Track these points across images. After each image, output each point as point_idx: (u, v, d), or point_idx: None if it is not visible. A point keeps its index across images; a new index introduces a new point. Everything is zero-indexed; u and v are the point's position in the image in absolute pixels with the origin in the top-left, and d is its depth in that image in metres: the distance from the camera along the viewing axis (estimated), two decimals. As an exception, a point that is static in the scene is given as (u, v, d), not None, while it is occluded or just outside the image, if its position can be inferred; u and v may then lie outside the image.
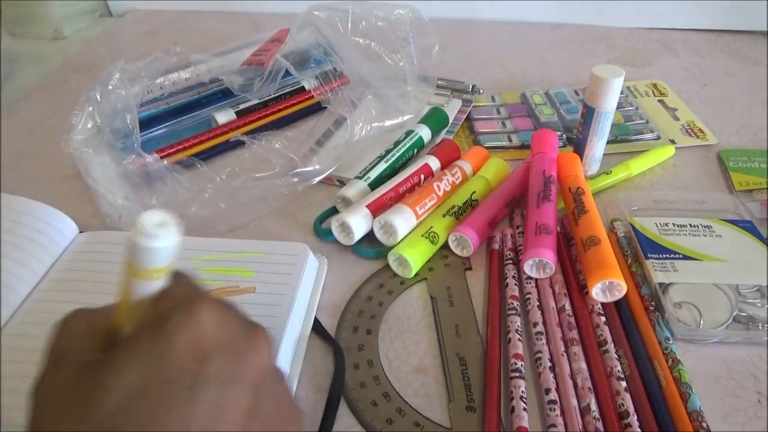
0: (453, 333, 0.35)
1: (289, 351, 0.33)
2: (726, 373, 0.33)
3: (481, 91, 0.58)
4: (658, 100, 0.58)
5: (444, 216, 0.41)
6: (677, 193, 0.46)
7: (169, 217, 0.20)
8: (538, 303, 0.36)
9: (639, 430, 0.29)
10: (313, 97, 0.53)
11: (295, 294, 0.36)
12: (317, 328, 0.36)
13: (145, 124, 0.52)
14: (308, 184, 0.45)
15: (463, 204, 0.42)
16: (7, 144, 0.54)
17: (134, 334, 0.20)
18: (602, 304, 0.36)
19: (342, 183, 0.47)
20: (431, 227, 0.40)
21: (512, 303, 0.36)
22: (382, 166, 0.46)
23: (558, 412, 0.30)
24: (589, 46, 0.70)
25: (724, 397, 0.32)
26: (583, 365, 0.32)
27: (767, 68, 0.64)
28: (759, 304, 0.36)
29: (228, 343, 0.21)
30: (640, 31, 0.73)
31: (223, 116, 0.54)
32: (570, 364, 0.32)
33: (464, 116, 0.55)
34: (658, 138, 0.53)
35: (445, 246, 0.41)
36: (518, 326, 0.34)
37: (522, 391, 0.31)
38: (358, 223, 0.40)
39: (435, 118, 0.51)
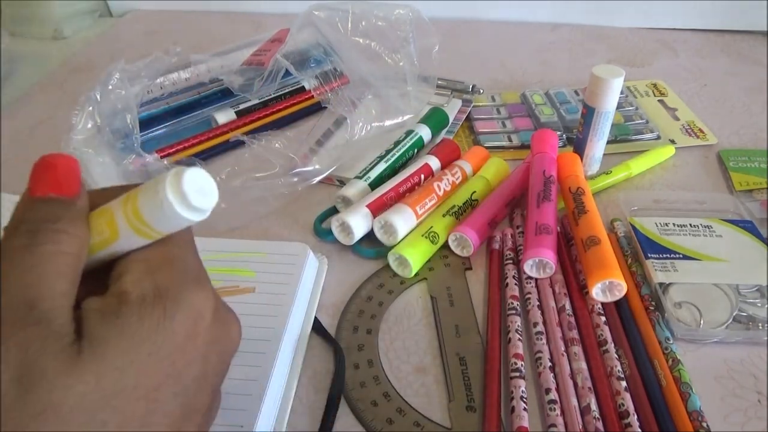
0: (453, 333, 0.35)
1: (289, 351, 0.33)
2: (726, 373, 0.33)
3: (481, 91, 0.58)
4: (658, 100, 0.58)
5: (444, 216, 0.41)
6: (677, 193, 0.46)
7: (212, 185, 0.17)
8: (538, 303, 0.36)
9: (639, 430, 0.29)
10: (313, 97, 0.53)
11: (295, 294, 0.36)
12: (317, 327, 0.36)
13: (145, 124, 0.52)
14: (308, 184, 0.45)
15: (463, 204, 0.42)
16: (7, 144, 0.54)
17: (134, 310, 0.19)
18: (602, 304, 0.36)
19: (342, 183, 0.47)
20: (431, 227, 0.40)
21: (512, 303, 0.36)
22: (382, 166, 0.46)
23: (558, 411, 0.30)
24: (589, 46, 0.70)
25: (724, 397, 0.32)
26: (583, 365, 0.32)
27: (767, 68, 0.64)
28: (759, 304, 0.36)
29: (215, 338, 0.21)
30: (640, 31, 0.73)
31: (223, 116, 0.54)
32: (570, 364, 0.32)
33: (464, 116, 0.55)
34: (658, 138, 0.53)
35: (445, 246, 0.41)
36: (518, 326, 0.34)
37: (522, 391, 0.31)
38: (358, 222, 0.40)
39: (435, 118, 0.51)
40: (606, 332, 0.34)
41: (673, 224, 0.41)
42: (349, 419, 0.31)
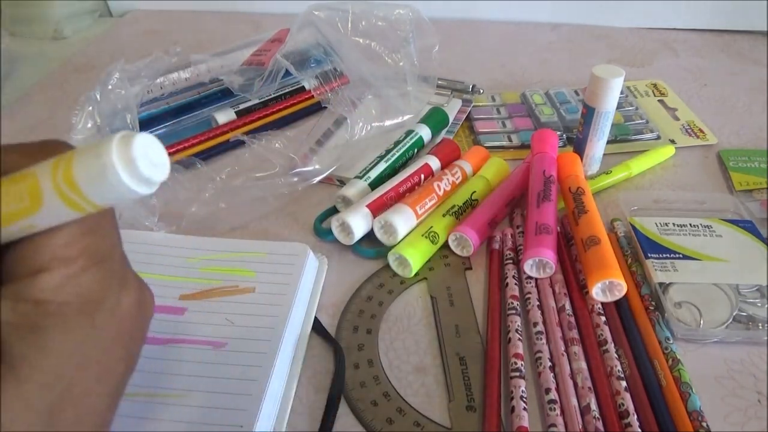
0: (453, 333, 0.35)
1: (289, 351, 0.33)
2: (726, 373, 0.33)
3: (481, 91, 0.58)
4: (658, 100, 0.58)
5: (444, 216, 0.41)
6: (677, 193, 0.46)
7: (164, 156, 0.15)
8: (538, 303, 0.36)
9: (639, 429, 0.29)
10: (313, 97, 0.53)
11: (295, 294, 0.36)
12: (317, 327, 0.36)
13: (145, 124, 0.52)
14: (308, 184, 0.45)
15: (463, 204, 0.42)
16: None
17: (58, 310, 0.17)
18: (602, 303, 0.36)
19: (342, 183, 0.47)
20: (431, 227, 0.40)
21: (512, 303, 0.36)
22: (382, 166, 0.46)
23: (558, 411, 0.30)
24: (589, 46, 0.70)
25: (724, 397, 0.32)
26: (583, 365, 0.32)
27: (767, 68, 0.64)
28: (759, 304, 0.36)
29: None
30: (640, 31, 0.73)
31: (223, 116, 0.54)
32: (570, 364, 0.32)
33: (464, 116, 0.55)
34: (658, 138, 0.53)
35: (445, 246, 0.41)
36: (518, 326, 0.34)
37: (522, 391, 0.31)
38: (358, 222, 0.40)
39: (435, 118, 0.51)
40: (606, 332, 0.34)
41: (673, 224, 0.41)
42: (349, 419, 0.31)
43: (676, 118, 0.56)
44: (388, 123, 0.51)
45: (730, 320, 0.35)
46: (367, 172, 0.45)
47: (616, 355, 0.32)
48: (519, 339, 0.34)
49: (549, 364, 0.32)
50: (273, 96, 0.56)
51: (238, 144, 0.50)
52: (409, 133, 0.49)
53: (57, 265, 0.17)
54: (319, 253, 0.40)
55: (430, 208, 0.42)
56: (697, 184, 0.48)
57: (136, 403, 0.30)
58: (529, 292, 0.36)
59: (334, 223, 0.41)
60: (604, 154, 0.48)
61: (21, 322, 0.17)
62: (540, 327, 0.34)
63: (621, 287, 0.35)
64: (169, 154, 0.49)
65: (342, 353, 0.34)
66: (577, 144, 0.47)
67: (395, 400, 0.32)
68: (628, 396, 0.30)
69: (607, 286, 0.35)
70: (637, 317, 0.35)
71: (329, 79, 0.52)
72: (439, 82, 0.58)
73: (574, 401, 0.30)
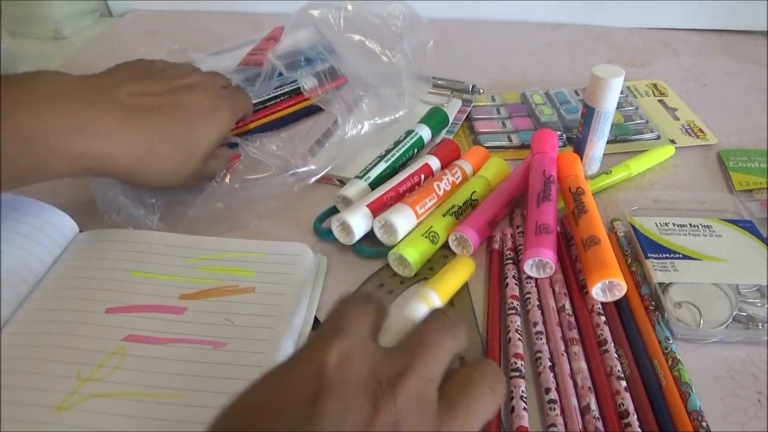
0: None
1: (289, 351, 0.33)
2: (726, 372, 0.33)
3: (481, 91, 0.58)
4: (658, 100, 0.58)
5: (444, 216, 0.41)
6: (677, 193, 0.46)
7: None
8: (538, 302, 0.36)
9: (639, 429, 0.29)
10: (308, 99, 0.52)
11: (295, 294, 0.36)
12: (317, 327, 0.36)
13: (145, 123, 0.51)
14: (307, 184, 0.45)
15: (463, 204, 0.42)
16: (7, 144, 0.54)
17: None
18: (602, 303, 0.36)
19: (342, 182, 0.47)
20: (431, 227, 0.40)
21: (512, 303, 0.36)
22: (382, 166, 0.46)
23: (558, 411, 0.30)
24: (589, 46, 0.70)
25: (724, 397, 0.32)
26: (583, 365, 0.32)
27: (767, 68, 0.64)
28: (759, 304, 0.36)
29: None
30: (640, 31, 0.73)
31: (223, 116, 0.54)
32: (570, 364, 0.32)
33: (464, 116, 0.55)
34: (658, 138, 0.53)
35: (446, 246, 0.41)
36: (518, 326, 0.34)
37: (522, 391, 0.31)
38: (358, 222, 0.40)
39: (435, 118, 0.51)
40: (606, 332, 0.34)
41: (673, 224, 0.41)
42: (349, 419, 0.31)
43: (676, 118, 0.56)
44: (382, 120, 0.51)
45: (730, 320, 0.35)
46: (367, 172, 0.45)
47: (616, 355, 0.32)
48: (519, 339, 0.34)
49: (549, 363, 0.32)
50: (271, 96, 0.55)
51: (233, 146, 0.50)
52: (409, 133, 0.49)
53: None
54: (319, 253, 0.40)
55: (430, 208, 0.42)
56: (697, 184, 0.48)
57: (136, 403, 0.30)
58: (529, 292, 0.36)
59: (334, 223, 0.41)
60: (604, 154, 0.48)
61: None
62: (540, 327, 0.34)
63: (621, 287, 0.35)
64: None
65: (342, 353, 0.34)
66: (577, 144, 0.47)
67: (395, 399, 0.32)
68: (628, 396, 0.30)
69: (607, 286, 0.35)
70: (637, 317, 0.35)
71: (325, 78, 0.52)
72: (439, 82, 0.58)
73: (574, 401, 0.30)
